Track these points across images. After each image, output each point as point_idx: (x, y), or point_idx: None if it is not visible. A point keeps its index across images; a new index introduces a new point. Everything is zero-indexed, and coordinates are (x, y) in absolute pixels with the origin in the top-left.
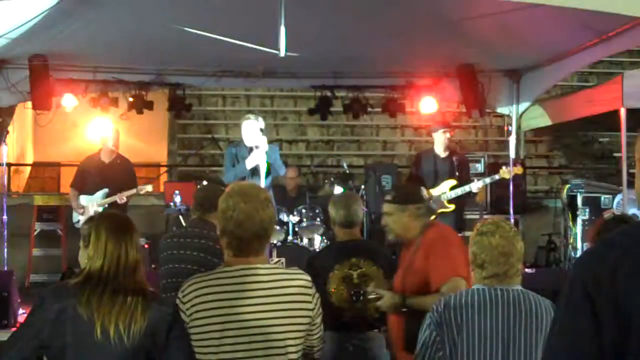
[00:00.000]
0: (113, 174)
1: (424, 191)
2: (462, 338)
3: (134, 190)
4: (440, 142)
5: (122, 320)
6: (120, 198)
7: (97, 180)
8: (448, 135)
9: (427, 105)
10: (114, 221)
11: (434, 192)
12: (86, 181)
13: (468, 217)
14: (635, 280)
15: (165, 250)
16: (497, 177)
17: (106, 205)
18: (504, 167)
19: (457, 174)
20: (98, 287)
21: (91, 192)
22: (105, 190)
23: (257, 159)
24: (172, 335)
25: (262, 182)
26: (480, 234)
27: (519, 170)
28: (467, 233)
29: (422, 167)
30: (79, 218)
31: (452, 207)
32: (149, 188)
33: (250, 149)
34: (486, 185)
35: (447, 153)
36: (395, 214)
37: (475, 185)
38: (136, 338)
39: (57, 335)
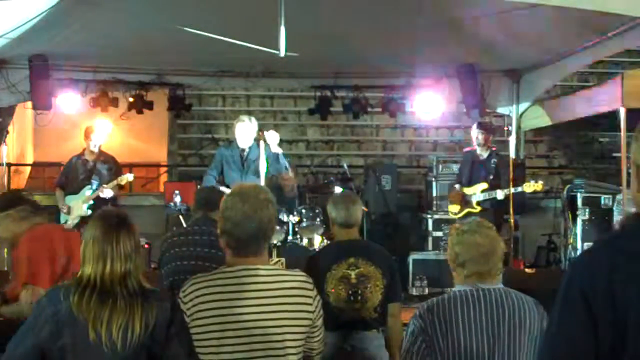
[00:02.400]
0: (96, 171)
1: (457, 188)
2: (448, 341)
3: (114, 182)
4: (476, 143)
5: (116, 325)
6: (102, 191)
7: (81, 179)
8: (480, 136)
9: (427, 105)
10: (102, 225)
11: (468, 191)
12: (71, 181)
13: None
14: (631, 281)
15: (169, 249)
16: (519, 189)
17: (92, 202)
18: (531, 182)
19: (490, 177)
20: (86, 291)
21: (76, 192)
22: (89, 186)
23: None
24: (173, 331)
25: (262, 183)
26: (462, 233)
27: (538, 186)
28: None
29: (465, 166)
30: (66, 218)
31: (478, 208)
32: (129, 177)
33: (242, 151)
34: None
35: (487, 154)
36: None
37: (501, 193)
38: (134, 342)
39: (55, 337)
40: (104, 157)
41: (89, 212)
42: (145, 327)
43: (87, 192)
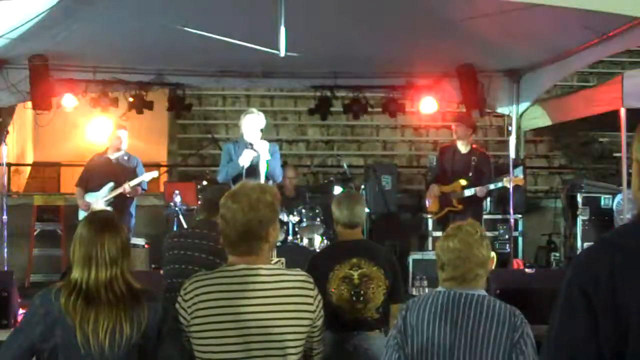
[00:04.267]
0: (119, 169)
1: (435, 187)
2: (413, 338)
3: (138, 179)
4: (455, 136)
5: (102, 328)
6: (125, 189)
7: (103, 176)
8: (459, 129)
9: (427, 105)
10: (88, 227)
11: (447, 189)
12: (92, 179)
13: (471, 219)
14: (632, 279)
15: (170, 250)
16: (500, 184)
17: (112, 199)
18: (514, 176)
19: (470, 174)
20: (72, 294)
21: (97, 189)
22: (111, 184)
23: (250, 156)
24: (165, 330)
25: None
26: (444, 236)
27: (519, 181)
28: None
29: (444, 162)
30: (85, 215)
31: (459, 207)
32: (154, 174)
33: (251, 145)
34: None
35: (467, 150)
36: None
37: (480, 191)
38: (124, 344)
39: (46, 338)
40: (127, 156)
41: (109, 209)
42: (138, 327)
43: (109, 188)
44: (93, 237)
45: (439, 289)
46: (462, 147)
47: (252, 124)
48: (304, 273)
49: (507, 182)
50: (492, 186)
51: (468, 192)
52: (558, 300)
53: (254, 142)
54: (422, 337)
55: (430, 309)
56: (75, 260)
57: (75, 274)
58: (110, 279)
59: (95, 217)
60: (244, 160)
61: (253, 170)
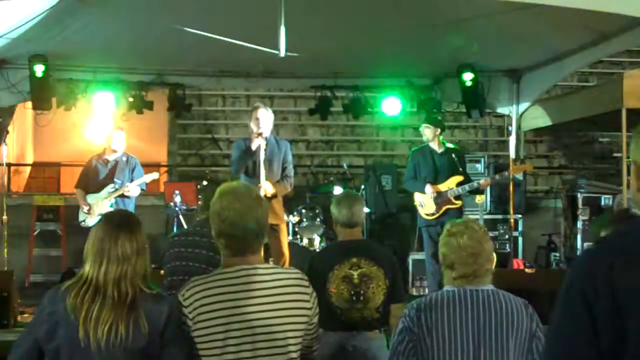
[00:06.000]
0: (118, 170)
1: (430, 187)
2: (432, 340)
3: (140, 180)
4: (425, 139)
5: (102, 325)
6: (127, 190)
7: (103, 178)
8: (426, 131)
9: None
10: (104, 225)
11: (442, 187)
12: (91, 180)
13: (468, 217)
14: (631, 282)
15: (172, 248)
16: (505, 173)
17: (114, 200)
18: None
19: (460, 169)
20: (80, 291)
21: (96, 191)
22: (112, 185)
23: (258, 143)
24: (168, 336)
25: (262, 182)
26: (449, 235)
27: (528, 167)
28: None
29: (421, 164)
30: (85, 217)
31: (458, 203)
32: (155, 176)
33: (259, 134)
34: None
35: (442, 149)
36: None
37: (485, 183)
38: (119, 344)
39: (50, 337)
40: (125, 157)
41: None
42: (136, 332)
43: (110, 190)
44: (108, 234)
45: (448, 288)
46: (436, 147)
47: (263, 117)
48: (298, 271)
49: (516, 170)
50: (497, 177)
51: (468, 187)
52: (557, 303)
53: (264, 132)
54: (444, 339)
55: (448, 309)
56: (88, 257)
57: (87, 268)
58: (119, 276)
59: (113, 215)
60: (254, 144)
61: (253, 172)
